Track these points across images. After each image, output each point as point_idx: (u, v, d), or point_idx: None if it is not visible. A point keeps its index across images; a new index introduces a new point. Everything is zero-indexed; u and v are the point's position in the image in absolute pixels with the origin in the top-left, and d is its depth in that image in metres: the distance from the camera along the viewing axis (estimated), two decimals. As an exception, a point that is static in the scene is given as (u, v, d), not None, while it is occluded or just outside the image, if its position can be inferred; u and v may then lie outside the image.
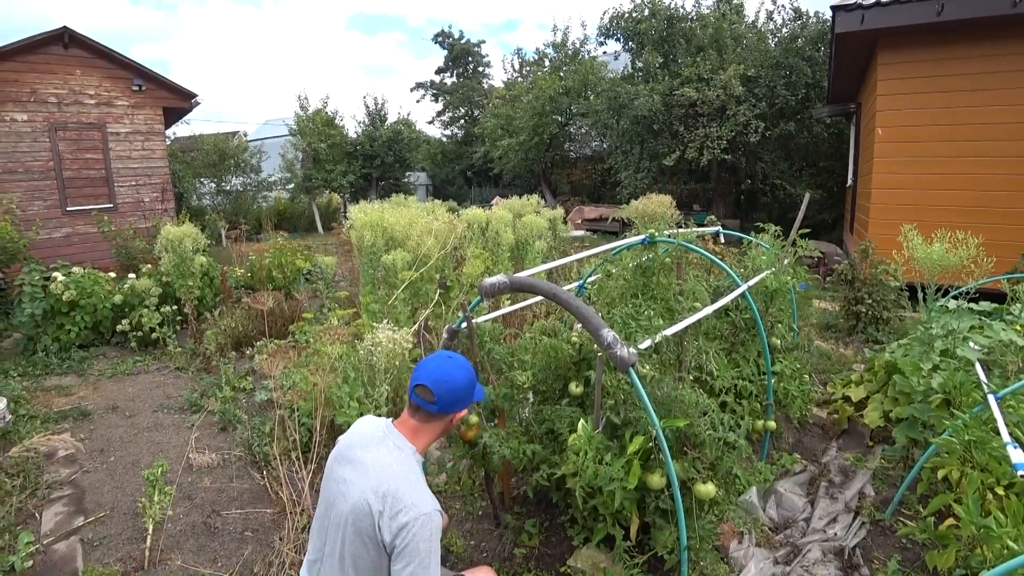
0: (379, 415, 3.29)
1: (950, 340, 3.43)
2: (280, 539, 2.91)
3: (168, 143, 13.03)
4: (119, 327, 6.12)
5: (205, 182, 17.60)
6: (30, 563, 2.81)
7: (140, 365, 5.83)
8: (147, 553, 2.87)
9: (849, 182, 10.79)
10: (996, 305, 4.07)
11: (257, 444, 3.83)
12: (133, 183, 10.67)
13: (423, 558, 1.57)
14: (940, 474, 2.56)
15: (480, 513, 3.17)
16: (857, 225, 9.18)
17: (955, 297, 4.26)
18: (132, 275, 6.59)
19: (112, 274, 6.69)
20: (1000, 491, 2.33)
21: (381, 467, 1.66)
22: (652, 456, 2.30)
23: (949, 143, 6.82)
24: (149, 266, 6.93)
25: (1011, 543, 1.92)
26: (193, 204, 16.04)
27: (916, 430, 3.09)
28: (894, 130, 7.14)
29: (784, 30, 14.23)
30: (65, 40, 9.57)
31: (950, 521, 2.40)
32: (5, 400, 4.39)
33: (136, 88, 10.50)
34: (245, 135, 23.02)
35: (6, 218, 7.48)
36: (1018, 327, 3.49)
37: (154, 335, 6.03)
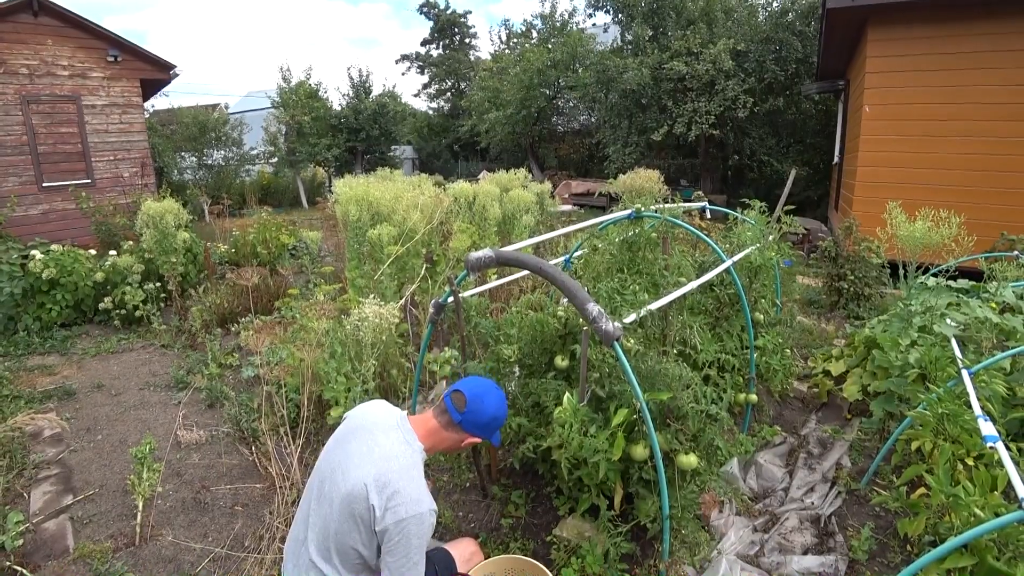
0: (366, 390, 3.32)
1: (928, 317, 3.50)
2: (270, 513, 2.94)
3: (147, 116, 12.70)
4: (102, 305, 6.04)
5: (186, 156, 17.21)
6: (20, 542, 2.82)
7: (124, 343, 5.78)
8: (138, 529, 2.89)
9: (836, 159, 10.83)
10: (974, 283, 4.15)
11: (245, 420, 3.84)
12: (111, 158, 10.42)
13: (412, 554, 1.62)
14: (914, 446, 2.64)
15: (468, 485, 3.22)
16: (842, 202, 9.25)
17: (935, 275, 4.34)
18: (113, 252, 6.49)
19: (92, 251, 6.58)
20: (970, 462, 2.41)
21: (387, 456, 1.67)
22: (636, 428, 2.35)
23: (936, 122, 6.85)
24: (130, 243, 6.81)
25: (977, 511, 2.00)
26: (174, 179, 15.72)
27: (893, 403, 3.18)
28: (882, 108, 7.16)
29: (775, 4, 14.07)
30: (34, 8, 9.22)
31: (921, 491, 2.49)
32: (-13, 378, 4.35)
33: (111, 59, 10.18)
34: (226, 107, 22.50)
35: (-20, 193, 7.30)
36: (993, 304, 3.57)
37: (138, 313, 5.96)
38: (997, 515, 1.85)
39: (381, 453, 1.68)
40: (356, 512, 1.62)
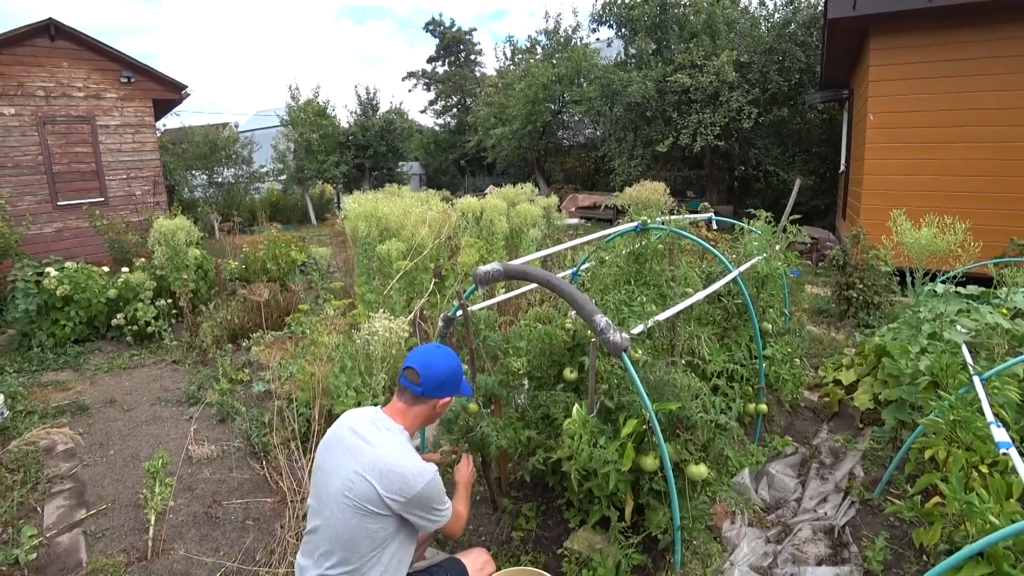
0: (376, 404, 3.33)
1: (938, 323, 3.48)
2: (281, 527, 2.95)
3: (159, 135, 12.92)
4: (114, 321, 6.12)
5: (196, 174, 17.48)
6: (34, 556, 2.84)
7: (136, 359, 5.84)
8: (150, 543, 2.91)
9: (842, 168, 10.83)
10: (983, 289, 4.12)
11: (256, 435, 3.86)
12: (124, 176, 10.60)
13: (438, 508, 1.81)
14: (927, 454, 2.62)
15: (478, 498, 3.21)
16: (849, 211, 9.23)
17: (943, 282, 4.31)
18: (126, 269, 6.58)
19: (105, 268, 6.68)
20: (984, 469, 2.39)
21: (373, 445, 1.75)
22: (645, 439, 2.35)
23: (940, 129, 6.85)
24: (143, 260, 6.91)
25: (992, 519, 1.98)
26: (185, 197, 15.94)
27: (904, 412, 3.15)
28: (886, 116, 7.17)
29: (777, 15, 14.20)
30: (51, 32, 9.47)
31: (936, 499, 2.46)
32: (2, 396, 4.40)
33: (125, 80, 10.41)
34: (236, 126, 22.85)
35: (-4, 213, 7.44)
36: (1004, 310, 3.55)
37: (150, 329, 6.03)
38: (1013, 522, 1.83)
39: (367, 446, 1.76)
40: (363, 505, 1.69)
